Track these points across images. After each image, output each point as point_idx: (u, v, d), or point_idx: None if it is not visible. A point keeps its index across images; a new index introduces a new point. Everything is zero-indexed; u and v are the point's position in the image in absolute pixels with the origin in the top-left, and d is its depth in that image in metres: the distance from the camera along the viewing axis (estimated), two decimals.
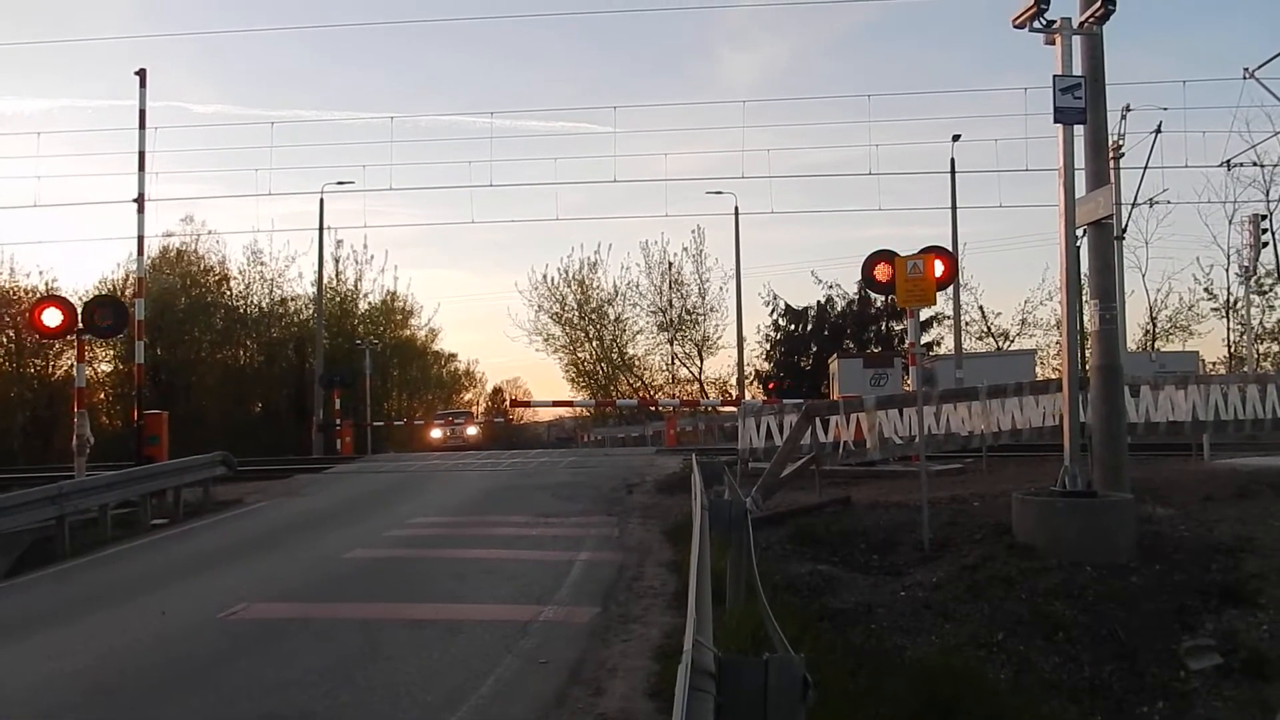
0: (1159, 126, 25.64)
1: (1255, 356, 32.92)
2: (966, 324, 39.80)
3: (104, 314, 16.43)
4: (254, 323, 40.89)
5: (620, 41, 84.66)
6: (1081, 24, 9.80)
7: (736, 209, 35.70)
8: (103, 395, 36.24)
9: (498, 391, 66.61)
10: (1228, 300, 38.76)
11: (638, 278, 45.59)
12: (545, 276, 45.75)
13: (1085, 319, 11.10)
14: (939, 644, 7.38)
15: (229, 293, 40.62)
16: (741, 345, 38.59)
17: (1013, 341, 42.75)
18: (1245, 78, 20.84)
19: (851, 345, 42.22)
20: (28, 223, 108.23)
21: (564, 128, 78.78)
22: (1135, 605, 7.90)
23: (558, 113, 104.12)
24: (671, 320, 45.37)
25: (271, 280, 40.91)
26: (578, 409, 51.04)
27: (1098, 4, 9.59)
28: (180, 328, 37.67)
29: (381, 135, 70.03)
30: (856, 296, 43.91)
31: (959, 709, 5.92)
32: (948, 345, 39.42)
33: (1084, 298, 10.98)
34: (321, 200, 34.21)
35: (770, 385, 38.74)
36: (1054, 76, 9.37)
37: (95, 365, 33.86)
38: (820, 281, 46.60)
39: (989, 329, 43.78)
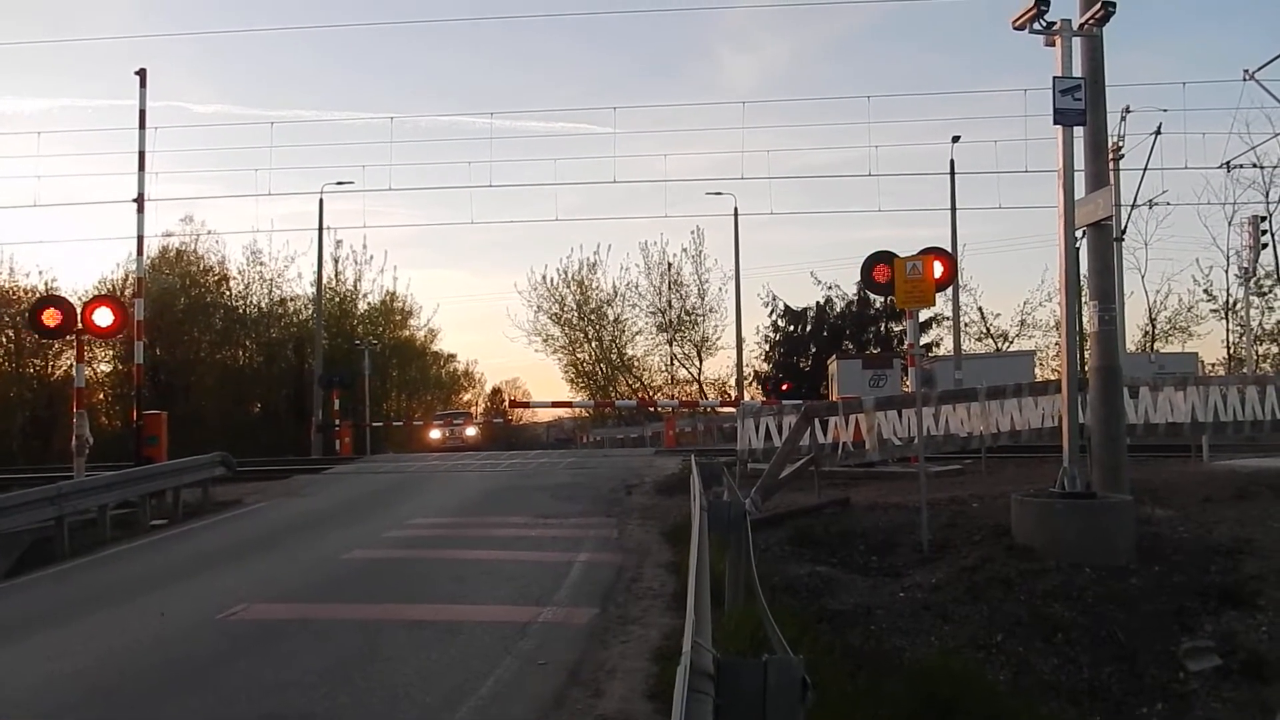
0: (1159, 128, 25.69)
1: (1254, 358, 32.92)
2: (966, 325, 39.83)
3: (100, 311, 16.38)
4: (253, 323, 40.85)
5: (620, 42, 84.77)
6: (1081, 26, 9.81)
7: (736, 210, 35.73)
8: (102, 395, 36.21)
9: (497, 392, 66.65)
10: (1227, 302, 38.82)
11: (637, 278, 45.66)
12: (544, 277, 45.82)
13: (1084, 320, 11.11)
14: (938, 645, 7.39)
15: (228, 293, 40.61)
16: (740, 346, 38.64)
17: (1012, 343, 42.80)
18: (1245, 79, 20.87)
19: (850, 346, 42.25)
20: (27, 222, 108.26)
21: (564, 128, 78.85)
22: (1134, 607, 7.90)
23: (557, 113, 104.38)
24: (671, 321, 45.40)
25: (271, 280, 40.92)
26: (577, 410, 51.06)
27: (1097, 6, 9.61)
28: (179, 328, 37.63)
29: (381, 135, 70.12)
30: (856, 297, 43.98)
31: (958, 710, 5.93)
32: (947, 346, 39.49)
33: (1083, 299, 11.00)
34: (321, 200, 34.23)
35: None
36: (1054, 78, 9.38)
37: (94, 365, 33.86)
38: (819, 282, 46.53)
39: (988, 330, 43.84)
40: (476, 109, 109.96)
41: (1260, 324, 36.70)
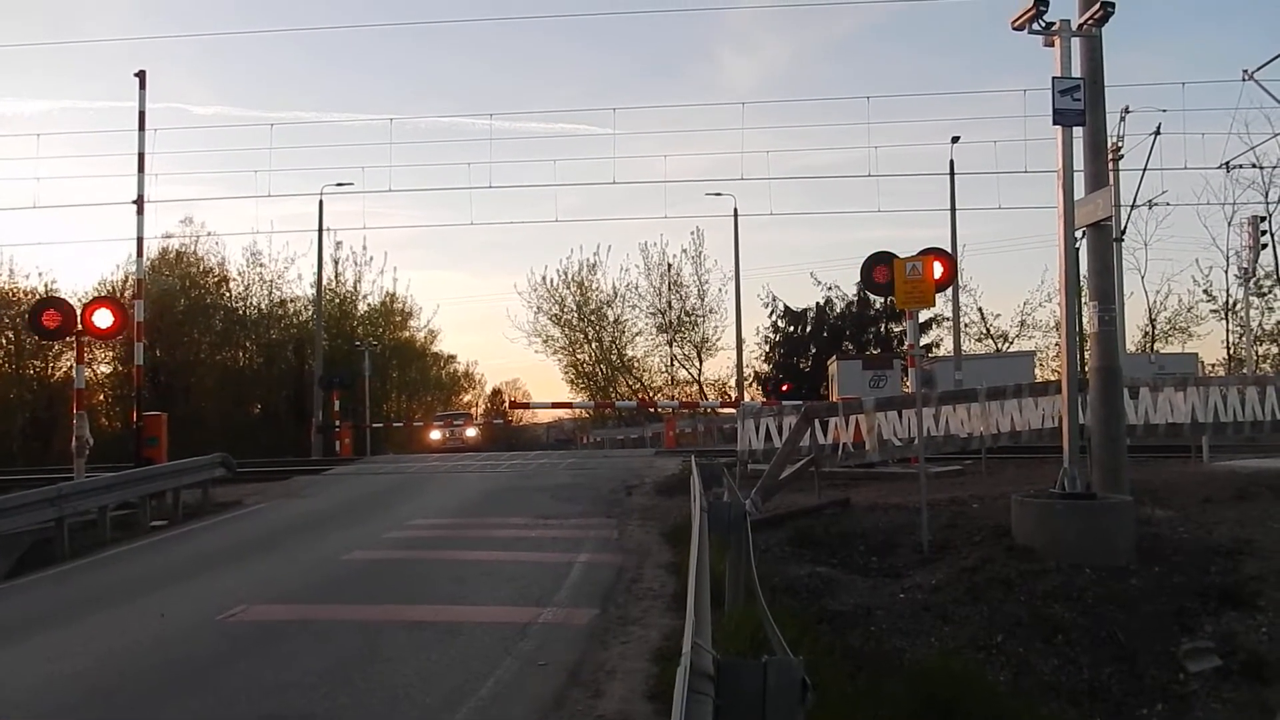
0: (1158, 128, 25.68)
1: (1254, 358, 32.91)
2: (966, 326, 39.81)
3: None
4: (253, 324, 40.85)
5: (620, 43, 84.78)
6: (1080, 26, 9.81)
7: (736, 210, 35.74)
8: (102, 397, 36.21)
9: (497, 393, 66.68)
10: (1227, 302, 38.80)
11: (637, 279, 45.67)
12: (544, 278, 45.84)
13: (1084, 321, 11.11)
14: (938, 646, 7.39)
15: (228, 294, 40.62)
16: (740, 347, 38.65)
17: (1012, 343, 42.78)
18: (1244, 80, 20.86)
19: (850, 347, 42.24)
20: (27, 224, 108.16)
21: (563, 129, 78.76)
22: (1134, 607, 7.91)
23: (557, 114, 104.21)
24: (670, 322, 45.41)
25: (271, 282, 40.96)
26: (577, 411, 51.08)
27: (1096, 6, 9.62)
28: (179, 329, 37.64)
29: (381, 137, 70.30)
30: (855, 298, 43.97)
31: (958, 711, 5.93)
32: (947, 347, 39.48)
33: (1083, 299, 11.00)
34: (321, 202, 34.27)
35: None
36: (1053, 78, 9.38)
37: (94, 367, 33.87)
38: (819, 283, 46.47)
39: (988, 331, 43.83)
40: (476, 110, 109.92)
41: (1260, 324, 36.73)
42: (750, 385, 41.90)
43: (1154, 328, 41.20)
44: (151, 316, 26.84)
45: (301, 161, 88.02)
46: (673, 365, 46.46)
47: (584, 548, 11.08)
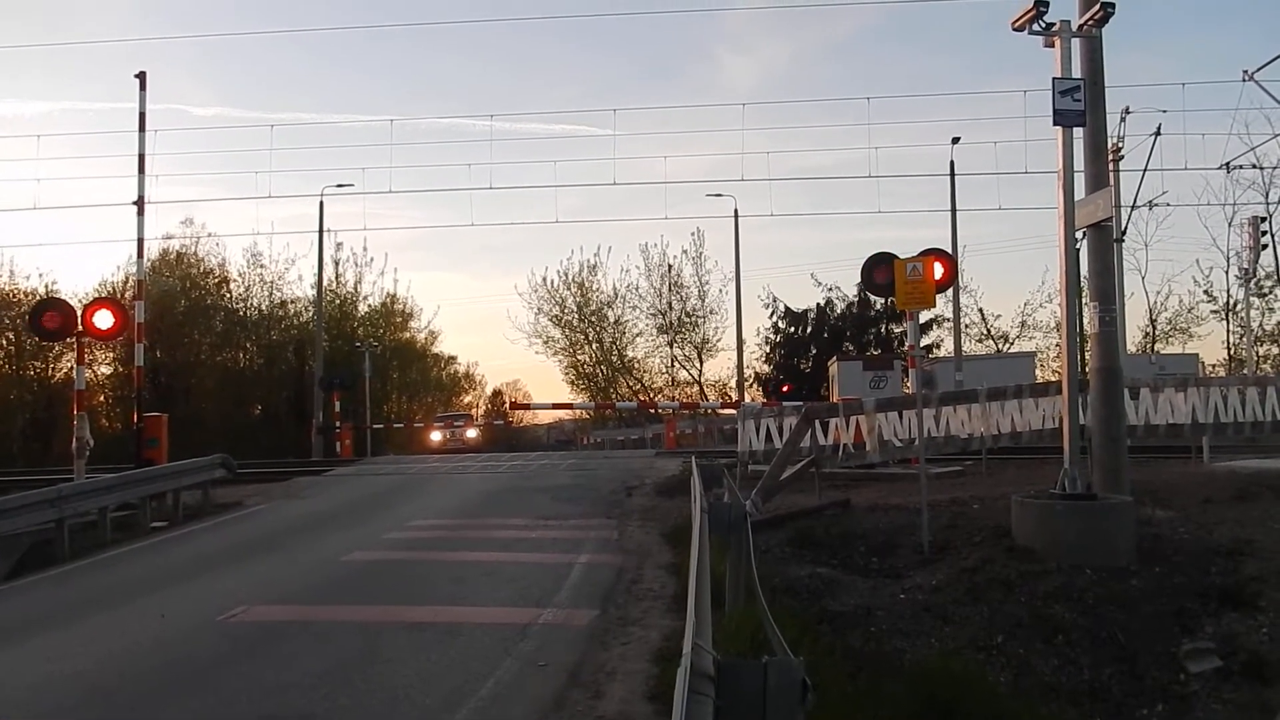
0: (1158, 129, 25.66)
1: (1255, 359, 32.91)
2: (966, 326, 39.82)
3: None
4: (254, 325, 40.87)
5: (620, 44, 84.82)
6: (1080, 27, 9.81)
7: (736, 211, 35.71)
8: (102, 398, 36.24)
9: (497, 394, 66.73)
10: (1227, 303, 38.79)
11: (637, 280, 45.62)
12: (545, 279, 45.80)
13: (1085, 321, 11.11)
14: (938, 647, 7.39)
15: (229, 295, 40.65)
16: (741, 348, 38.63)
17: (1012, 344, 42.76)
18: (1244, 80, 20.86)
19: (851, 348, 42.22)
20: (28, 225, 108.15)
21: (563, 130, 78.93)
22: (1135, 608, 7.90)
23: (557, 115, 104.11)
24: (671, 323, 45.38)
25: (271, 283, 40.95)
26: (577, 411, 51.06)
27: (1097, 7, 9.62)
28: (180, 330, 37.66)
29: (381, 138, 70.37)
30: (856, 299, 43.93)
31: (958, 712, 5.93)
32: (947, 348, 39.46)
33: (1083, 300, 10.99)
34: (321, 203, 34.27)
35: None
36: (1053, 79, 9.39)
37: (95, 368, 33.88)
38: (820, 284, 46.42)
39: (989, 331, 43.81)
40: (476, 111, 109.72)
41: (1260, 325, 36.69)
42: (751, 386, 41.91)
43: (1154, 328, 41.25)
44: (152, 317, 26.84)
45: (302, 163, 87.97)
46: (673, 366, 46.51)
47: (584, 549, 11.08)
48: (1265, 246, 27.34)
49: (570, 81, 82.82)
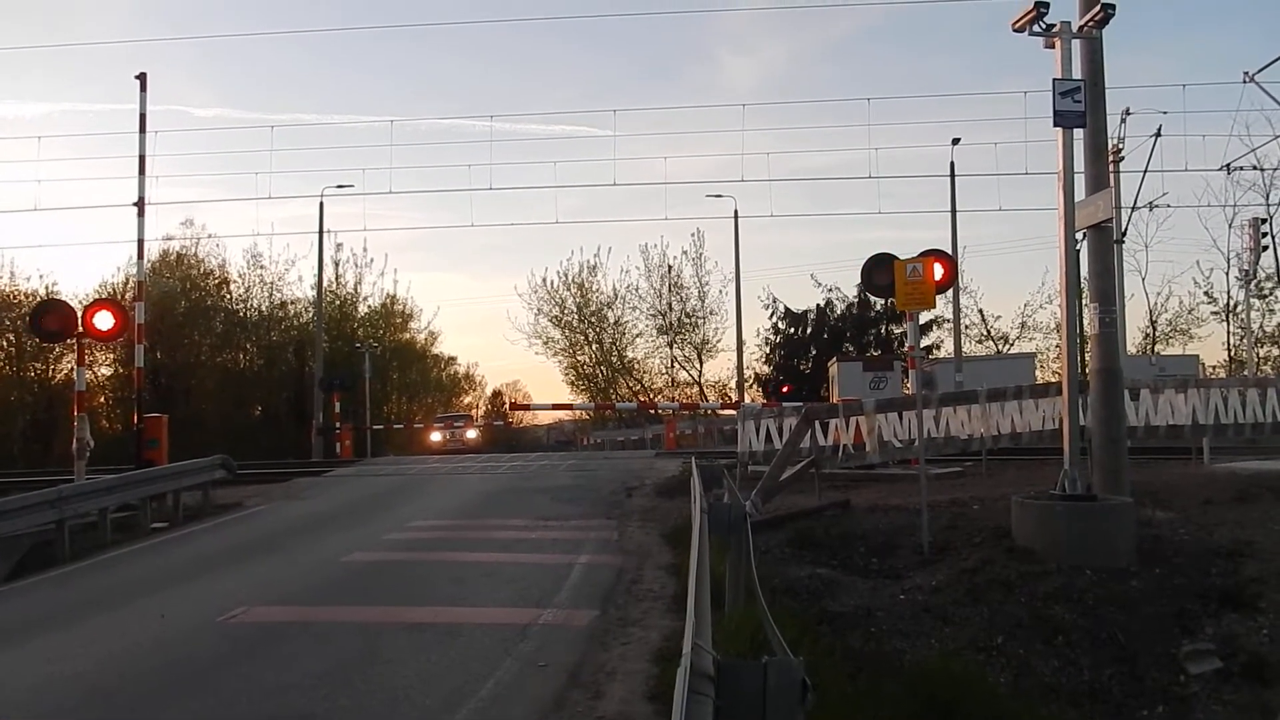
0: (1159, 130, 25.68)
1: (1255, 360, 32.92)
2: (966, 327, 39.78)
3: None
4: (254, 326, 40.88)
5: (620, 45, 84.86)
6: (1081, 28, 9.82)
7: (736, 212, 35.73)
8: (103, 399, 36.24)
9: (497, 394, 66.63)
10: (1228, 304, 38.74)
11: (637, 281, 45.60)
12: (545, 280, 45.78)
13: (1085, 322, 11.11)
14: (938, 647, 7.39)
15: (229, 296, 40.65)
16: (741, 348, 38.65)
17: (1012, 345, 42.73)
18: (1245, 81, 20.90)
19: (851, 349, 42.21)
20: (28, 226, 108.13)
21: (564, 131, 78.87)
22: (1135, 609, 7.90)
23: (557, 116, 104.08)
24: (671, 323, 45.36)
25: (271, 284, 40.95)
26: (577, 412, 51.06)
27: (1097, 8, 9.62)
28: (180, 331, 37.66)
29: (381, 139, 70.46)
30: (856, 300, 43.91)
31: (958, 712, 5.94)
32: (947, 348, 39.43)
33: (1084, 301, 10.99)
34: (321, 204, 34.27)
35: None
36: (1053, 80, 9.39)
37: (95, 369, 33.87)
38: (820, 285, 46.36)
39: (989, 332, 43.78)
40: (476, 112, 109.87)
41: (1261, 326, 36.65)
42: (750, 387, 41.90)
43: (1155, 329, 41.22)
44: (152, 319, 26.86)
45: (302, 164, 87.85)
46: (673, 367, 46.51)
47: (584, 549, 11.08)
48: (1265, 248, 27.37)
49: (570, 82, 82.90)
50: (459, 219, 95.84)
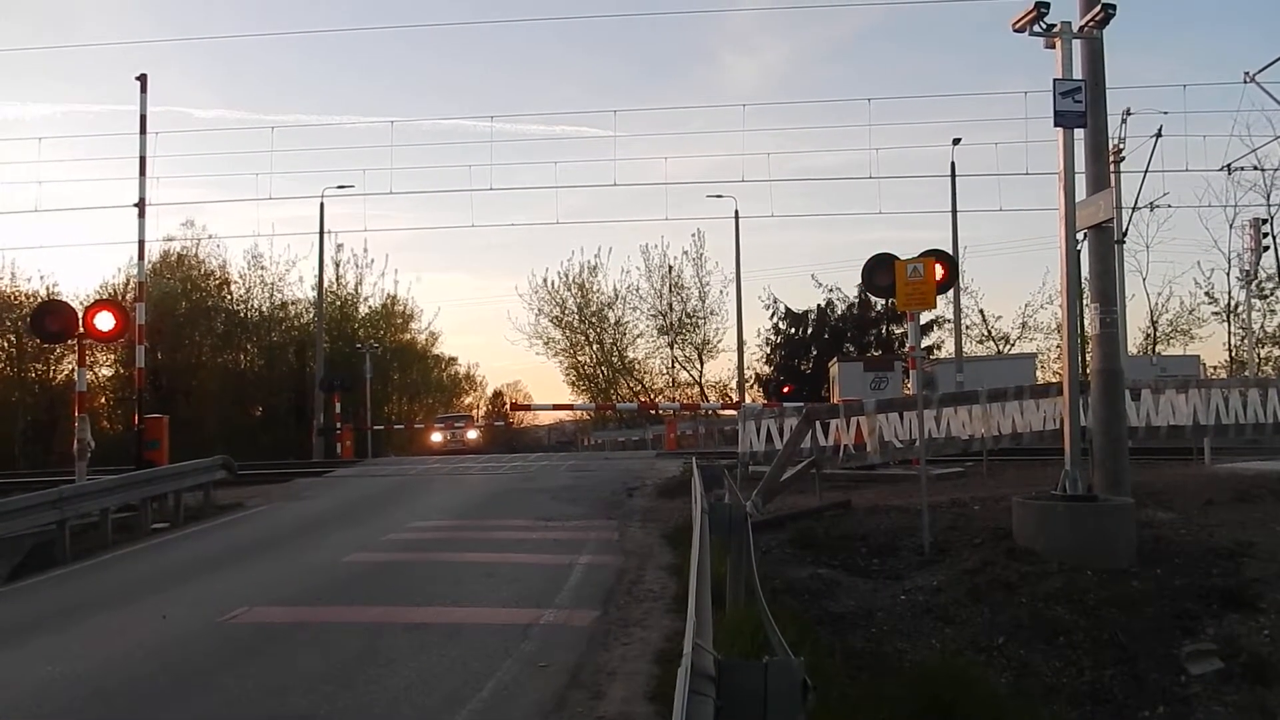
0: (1159, 130, 25.66)
1: (1256, 360, 32.92)
2: (967, 328, 39.82)
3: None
4: (254, 327, 40.92)
5: (620, 45, 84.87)
6: (1081, 28, 9.81)
7: (736, 212, 35.75)
8: (103, 400, 36.27)
9: (498, 395, 66.53)
10: (1229, 304, 38.74)
11: (638, 281, 45.65)
12: (545, 280, 45.84)
13: (1086, 323, 11.11)
14: (939, 648, 7.39)
15: (229, 297, 40.71)
16: (742, 349, 38.68)
17: (1013, 345, 42.74)
18: (1246, 82, 20.89)
19: (852, 349, 42.21)
20: (29, 227, 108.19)
21: (564, 131, 78.96)
22: (1136, 610, 7.89)
23: (558, 116, 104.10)
24: (672, 324, 45.41)
25: (272, 284, 41.01)
26: (578, 413, 51.08)
27: (1097, 8, 9.62)
28: (181, 332, 37.70)
29: (382, 139, 70.43)
30: (856, 300, 43.92)
31: (959, 713, 5.92)
32: (948, 349, 39.43)
33: (1084, 301, 10.99)
34: (322, 204, 34.30)
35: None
36: (1054, 80, 9.39)
37: (96, 370, 33.89)
38: (820, 285, 46.39)
39: (989, 333, 43.79)
40: (477, 112, 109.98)
41: (1262, 327, 36.67)
42: (751, 387, 41.90)
43: (1155, 330, 41.23)
44: (153, 319, 26.87)
45: (302, 164, 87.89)
46: (674, 367, 46.55)
47: (585, 549, 11.08)
48: (1266, 248, 27.37)
49: (570, 82, 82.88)
50: (460, 219, 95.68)
